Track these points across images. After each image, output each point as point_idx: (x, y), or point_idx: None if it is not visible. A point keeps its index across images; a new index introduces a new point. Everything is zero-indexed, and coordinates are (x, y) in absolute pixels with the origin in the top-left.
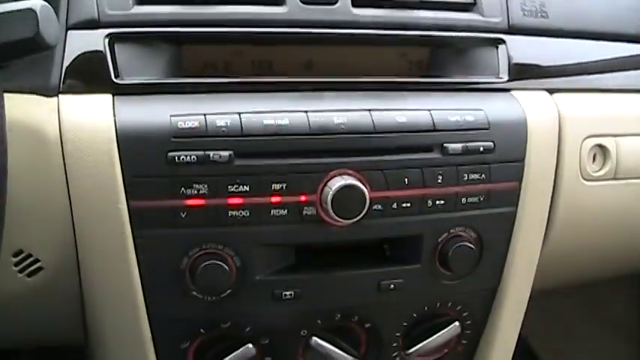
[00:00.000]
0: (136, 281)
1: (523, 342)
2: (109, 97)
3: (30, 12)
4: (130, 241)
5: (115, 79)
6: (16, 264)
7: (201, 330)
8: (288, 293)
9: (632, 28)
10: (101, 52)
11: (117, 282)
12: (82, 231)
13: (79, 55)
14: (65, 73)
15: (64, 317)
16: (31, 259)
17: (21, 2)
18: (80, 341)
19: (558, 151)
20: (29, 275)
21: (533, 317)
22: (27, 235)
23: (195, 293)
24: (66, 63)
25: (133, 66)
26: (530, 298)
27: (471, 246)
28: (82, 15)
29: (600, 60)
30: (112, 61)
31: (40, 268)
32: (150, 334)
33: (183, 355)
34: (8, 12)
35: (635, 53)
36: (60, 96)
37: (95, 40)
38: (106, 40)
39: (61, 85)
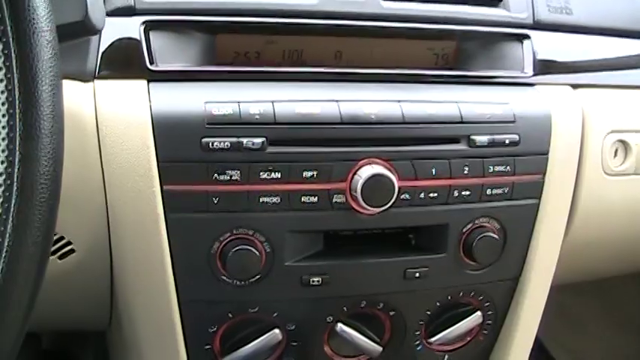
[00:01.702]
0: (167, 264)
1: (537, 342)
2: (144, 82)
3: None
4: (163, 225)
5: (149, 66)
6: None
7: (230, 314)
8: (316, 279)
9: None
10: (136, 39)
11: (148, 265)
12: (115, 214)
13: (114, 42)
14: (101, 59)
15: (92, 300)
16: (63, 241)
17: None
18: (103, 325)
19: (581, 146)
20: (61, 258)
21: (547, 317)
22: (61, 218)
23: (224, 277)
24: (102, 49)
25: (168, 53)
26: (548, 295)
27: (495, 236)
28: (118, 2)
29: (623, 56)
30: (147, 47)
31: (72, 251)
32: (179, 317)
33: (211, 338)
34: None
35: None
36: (96, 81)
37: (131, 27)
38: (142, 28)
39: (98, 71)
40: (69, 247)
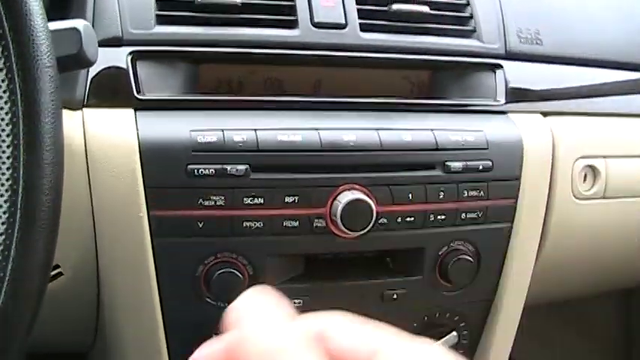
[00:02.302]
0: (154, 287)
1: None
2: (131, 111)
3: (75, 31)
4: (149, 249)
5: (137, 95)
6: None
7: (215, 336)
8: (297, 301)
9: (622, 56)
10: (124, 68)
11: (135, 288)
12: (102, 238)
13: (102, 71)
14: (90, 88)
15: (78, 322)
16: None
17: (66, 22)
18: (86, 347)
19: (552, 171)
20: (49, 280)
21: (520, 336)
22: None
23: (209, 300)
24: (90, 78)
25: (154, 82)
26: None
27: (470, 259)
28: (106, 33)
29: (591, 85)
30: (134, 77)
31: (60, 274)
32: (164, 339)
33: None
34: (55, 30)
35: (623, 79)
36: (84, 109)
37: (118, 57)
38: (129, 58)
39: (86, 99)
40: (57, 270)
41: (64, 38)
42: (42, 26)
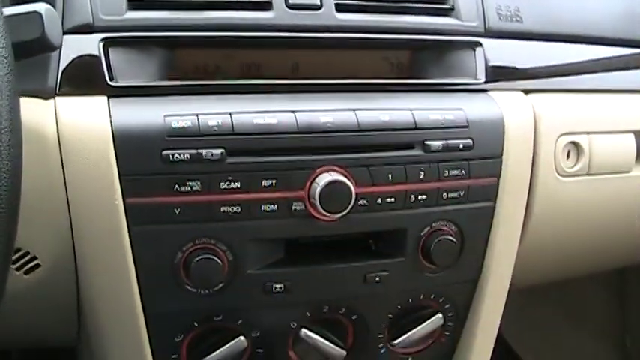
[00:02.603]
0: (132, 276)
1: (503, 342)
2: (104, 99)
3: (36, 14)
4: (126, 237)
5: (109, 82)
6: (14, 261)
7: (195, 323)
8: (278, 286)
9: (603, 32)
10: (96, 55)
11: (113, 277)
12: (79, 228)
13: (74, 59)
14: (61, 76)
15: (60, 314)
16: (28, 256)
17: (27, 5)
18: (71, 341)
19: (534, 149)
20: (27, 272)
21: (511, 317)
22: (25, 233)
23: (188, 287)
24: (62, 66)
25: (127, 69)
26: (508, 296)
27: (453, 239)
28: (77, 20)
29: (573, 62)
30: (107, 64)
31: (37, 265)
32: (145, 328)
33: (177, 347)
34: (16, 14)
35: (604, 56)
36: (57, 98)
37: (90, 44)
38: (101, 45)
39: (58, 88)
40: (34, 262)
41: (25, 22)
42: None
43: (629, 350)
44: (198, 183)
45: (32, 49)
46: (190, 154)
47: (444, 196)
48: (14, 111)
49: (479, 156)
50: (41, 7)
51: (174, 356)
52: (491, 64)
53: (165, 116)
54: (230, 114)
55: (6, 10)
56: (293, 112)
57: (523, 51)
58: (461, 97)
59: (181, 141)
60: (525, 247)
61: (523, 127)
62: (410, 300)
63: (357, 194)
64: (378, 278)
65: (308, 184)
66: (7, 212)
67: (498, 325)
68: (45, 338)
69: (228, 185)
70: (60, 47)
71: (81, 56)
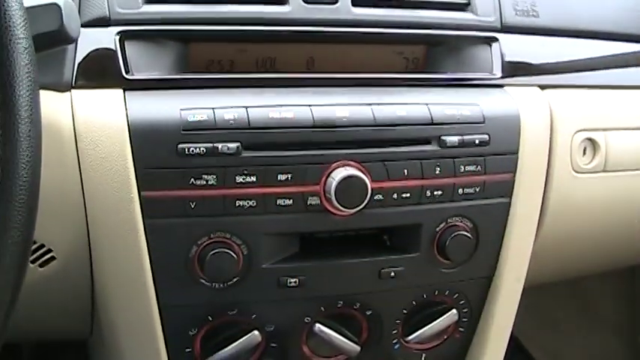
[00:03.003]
0: (147, 269)
1: (514, 339)
2: (120, 92)
3: (55, 6)
4: (142, 231)
5: (125, 75)
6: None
7: (209, 317)
8: (292, 281)
9: (620, 27)
10: (112, 49)
11: (128, 270)
12: (94, 221)
13: (90, 52)
14: (78, 69)
15: (73, 307)
16: (44, 249)
17: None
18: (84, 334)
19: (550, 145)
20: (41, 265)
21: (523, 315)
22: (41, 225)
23: (203, 281)
24: (78, 59)
25: (143, 62)
26: (522, 293)
27: (468, 235)
28: (93, 13)
29: (589, 58)
30: (123, 57)
31: (52, 258)
32: (159, 321)
33: (191, 341)
34: (35, 6)
35: (621, 52)
36: (73, 91)
37: (106, 37)
38: (117, 38)
39: (74, 81)
40: (49, 255)
41: (44, 14)
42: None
43: None
44: (214, 177)
45: (50, 40)
46: (206, 148)
47: (460, 191)
48: (34, 102)
49: (495, 152)
50: (60, 0)
51: (188, 350)
52: (507, 59)
53: (181, 110)
54: (246, 108)
55: (25, 1)
56: (309, 106)
57: (539, 46)
58: (477, 93)
59: (197, 134)
60: (540, 243)
61: (539, 123)
62: (424, 296)
63: (372, 189)
64: (392, 274)
65: (324, 178)
66: (26, 203)
67: (512, 323)
68: (58, 332)
69: (243, 179)
70: (78, 39)
71: (97, 49)
